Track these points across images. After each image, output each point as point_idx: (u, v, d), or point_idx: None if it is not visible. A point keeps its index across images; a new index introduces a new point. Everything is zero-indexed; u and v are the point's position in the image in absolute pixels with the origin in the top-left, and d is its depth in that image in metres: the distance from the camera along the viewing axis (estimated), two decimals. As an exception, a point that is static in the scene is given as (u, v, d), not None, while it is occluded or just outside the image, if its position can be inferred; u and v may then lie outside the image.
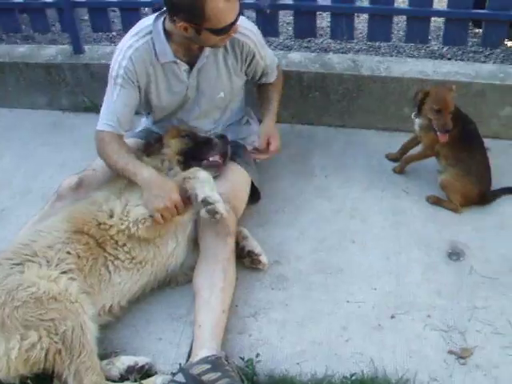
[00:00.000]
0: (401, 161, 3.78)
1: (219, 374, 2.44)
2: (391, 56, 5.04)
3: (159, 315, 2.91)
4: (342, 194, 3.62)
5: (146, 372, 2.62)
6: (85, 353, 2.46)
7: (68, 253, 2.70)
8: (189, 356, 2.66)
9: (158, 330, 2.84)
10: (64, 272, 2.64)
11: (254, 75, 3.45)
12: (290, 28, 5.03)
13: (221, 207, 2.77)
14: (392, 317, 2.85)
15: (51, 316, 2.46)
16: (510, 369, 2.60)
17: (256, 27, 3.35)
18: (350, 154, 3.96)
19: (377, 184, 3.64)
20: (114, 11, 5.13)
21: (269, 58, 3.44)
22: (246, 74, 3.41)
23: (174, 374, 2.53)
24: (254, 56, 3.29)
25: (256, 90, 3.64)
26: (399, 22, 5.49)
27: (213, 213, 2.77)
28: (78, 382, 2.43)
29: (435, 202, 3.50)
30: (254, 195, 3.44)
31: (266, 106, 3.48)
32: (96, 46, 4.84)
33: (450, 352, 2.68)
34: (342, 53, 5.05)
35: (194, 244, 3.05)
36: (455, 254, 3.17)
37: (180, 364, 2.62)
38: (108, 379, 2.55)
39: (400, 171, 3.74)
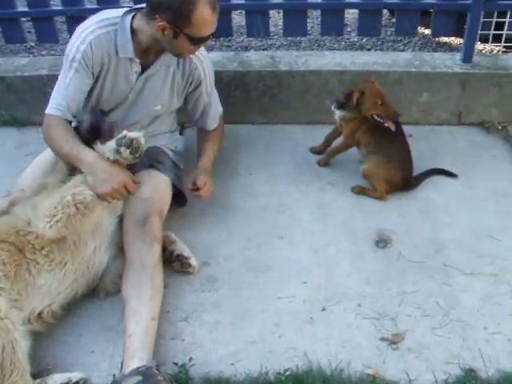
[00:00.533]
0: (325, 154, 3.81)
1: None
2: (312, 50, 5.10)
3: (91, 327, 2.85)
4: (267, 190, 3.63)
5: (81, 388, 2.56)
6: (16, 372, 2.37)
7: None
8: (122, 367, 2.61)
9: (90, 342, 2.78)
10: None
11: (193, 109, 3.46)
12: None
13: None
14: (323, 309, 2.86)
15: None
16: (440, 348, 2.66)
17: (211, 63, 3.38)
18: (274, 150, 3.98)
19: (302, 178, 3.66)
20: (28, 21, 5.02)
21: (214, 101, 3.49)
22: (185, 101, 3.43)
23: None
24: (199, 84, 3.32)
25: (197, 135, 3.66)
26: (318, 16, 5.56)
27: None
28: None
29: (360, 191, 3.54)
30: (180, 199, 3.41)
31: (204, 151, 3.50)
32: (12, 57, 4.73)
33: (382, 339, 2.71)
34: (263, 50, 5.09)
35: (121, 251, 3.00)
36: (382, 242, 3.22)
37: (114, 375, 2.58)
38: (42, 398, 2.48)
39: (325, 164, 3.77)
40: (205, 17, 2.81)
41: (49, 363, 2.68)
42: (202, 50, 3.24)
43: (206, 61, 3.30)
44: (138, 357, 2.54)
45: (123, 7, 3.24)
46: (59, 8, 4.35)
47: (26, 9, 4.36)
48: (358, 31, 4.22)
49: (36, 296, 2.72)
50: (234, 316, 2.86)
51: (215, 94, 3.51)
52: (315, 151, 3.89)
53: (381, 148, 3.49)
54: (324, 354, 2.65)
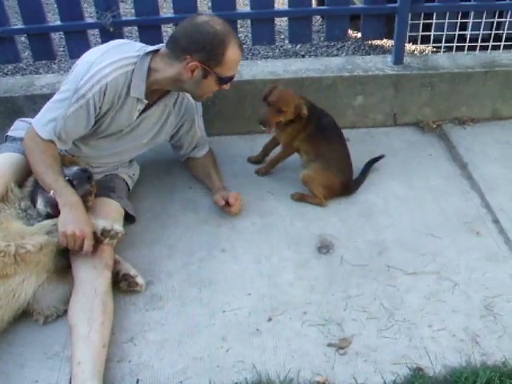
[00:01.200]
0: (266, 163, 3.81)
1: None
2: (246, 59, 5.10)
3: (32, 356, 2.76)
4: (207, 203, 3.59)
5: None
6: None
7: None
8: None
9: (32, 371, 2.69)
10: None
11: (188, 144, 3.65)
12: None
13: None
14: (269, 319, 2.85)
15: None
16: (387, 350, 2.67)
17: None
18: (212, 162, 3.93)
19: (241, 189, 3.62)
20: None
21: (203, 131, 3.65)
22: (173, 138, 3.61)
23: None
24: (193, 122, 3.54)
25: (190, 167, 3.78)
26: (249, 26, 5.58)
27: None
28: None
29: (300, 198, 3.54)
30: (130, 219, 3.42)
31: (213, 173, 3.66)
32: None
33: (330, 344, 2.71)
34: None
35: (57, 275, 2.93)
36: (325, 247, 3.22)
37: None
38: None
39: (264, 173, 3.77)
40: (235, 57, 2.97)
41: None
42: None
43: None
44: None
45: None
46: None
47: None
48: (289, 39, 4.23)
49: None
50: (180, 333, 2.82)
51: (201, 121, 3.64)
52: (253, 161, 3.88)
53: (319, 155, 3.49)
54: (273, 365, 2.64)
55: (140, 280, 3.01)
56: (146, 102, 3.13)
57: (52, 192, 2.91)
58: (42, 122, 2.98)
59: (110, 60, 2.96)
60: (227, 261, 3.19)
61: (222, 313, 2.90)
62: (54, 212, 2.92)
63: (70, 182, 2.99)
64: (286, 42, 5.50)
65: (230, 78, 3.07)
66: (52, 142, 2.99)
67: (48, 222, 2.86)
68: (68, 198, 2.88)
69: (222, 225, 3.43)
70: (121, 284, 3.01)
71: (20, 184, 3.07)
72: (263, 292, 2.99)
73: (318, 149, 3.51)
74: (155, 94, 3.19)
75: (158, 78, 3.03)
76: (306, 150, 3.55)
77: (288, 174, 3.74)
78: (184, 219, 3.49)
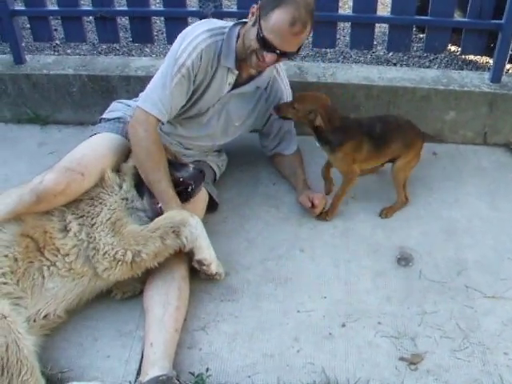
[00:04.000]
0: (330, 205, 3.54)
1: None
2: (337, 62, 5.07)
3: (107, 332, 2.83)
4: (289, 201, 3.59)
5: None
6: (25, 370, 2.33)
7: (5, 256, 2.64)
8: (138, 373, 2.59)
9: (105, 347, 2.76)
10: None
11: (275, 135, 3.66)
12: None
13: (214, 268, 2.90)
14: (343, 325, 2.83)
15: None
16: (459, 372, 2.61)
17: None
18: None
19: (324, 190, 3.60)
20: (57, 19, 5.03)
21: (289, 123, 3.64)
22: (266, 126, 3.62)
23: None
24: None
25: (276, 163, 3.80)
26: (345, 28, 5.54)
27: (207, 272, 2.91)
28: None
29: (388, 213, 3.48)
30: (212, 207, 3.44)
31: (300, 173, 3.65)
32: (38, 55, 4.73)
33: (401, 358, 2.67)
34: (288, 59, 5.06)
35: None
36: (404, 260, 3.18)
37: (130, 382, 2.56)
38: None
39: (330, 218, 3.49)
40: (279, 22, 2.84)
41: (63, 366, 2.66)
42: (285, 78, 3.53)
43: (288, 88, 3.55)
44: (158, 365, 2.51)
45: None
46: (89, 8, 4.36)
47: (56, 7, 4.37)
48: (388, 46, 4.19)
49: (41, 298, 2.70)
50: (252, 327, 2.83)
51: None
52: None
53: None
54: (342, 371, 2.62)
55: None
56: (237, 72, 3.16)
57: (159, 205, 2.96)
58: (151, 101, 3.03)
59: (203, 29, 3.06)
60: (305, 261, 3.19)
61: (296, 312, 2.90)
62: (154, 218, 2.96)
63: (185, 182, 3.06)
64: (378, 48, 5.45)
65: (268, 44, 2.91)
66: (159, 121, 3.05)
67: (162, 223, 2.83)
68: (169, 203, 2.94)
69: (302, 224, 3.42)
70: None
71: (116, 167, 3.10)
72: (339, 297, 2.97)
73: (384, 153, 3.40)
74: (246, 71, 3.21)
75: (240, 44, 3.07)
76: (371, 165, 3.50)
77: (373, 179, 3.71)
78: (265, 214, 3.50)
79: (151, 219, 2.93)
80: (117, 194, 2.95)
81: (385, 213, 3.47)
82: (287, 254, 3.23)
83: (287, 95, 3.51)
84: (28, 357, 2.38)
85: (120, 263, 2.73)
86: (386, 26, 4.74)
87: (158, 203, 2.95)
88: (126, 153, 3.14)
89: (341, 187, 3.42)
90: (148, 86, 3.10)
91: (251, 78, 3.27)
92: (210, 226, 3.32)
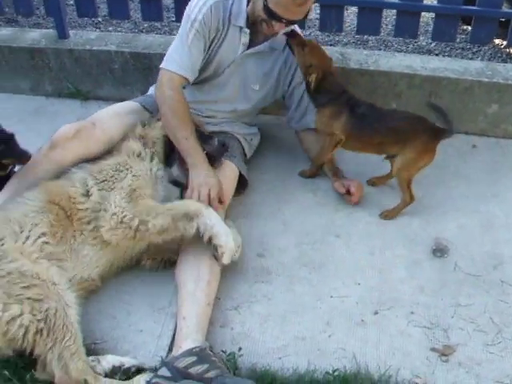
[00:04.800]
0: (310, 165, 3.67)
1: (206, 365, 2.40)
2: (379, 50, 5.03)
3: (140, 306, 2.86)
4: (326, 186, 3.58)
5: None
6: (69, 336, 2.40)
7: (41, 219, 2.70)
8: (170, 349, 2.62)
9: (138, 321, 2.79)
10: (42, 250, 2.64)
11: (297, 106, 3.57)
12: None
13: (226, 258, 2.77)
14: (375, 313, 2.83)
15: (35, 292, 2.42)
16: (491, 366, 2.60)
17: None
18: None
19: (362, 177, 3.58)
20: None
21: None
22: (286, 96, 3.56)
23: (157, 369, 2.48)
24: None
25: (303, 139, 3.71)
26: (388, 16, 5.49)
27: (219, 261, 2.79)
28: (63, 367, 2.36)
29: (388, 215, 3.39)
30: (242, 185, 3.43)
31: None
32: (81, 31, 4.76)
33: (433, 349, 2.67)
34: (330, 45, 5.03)
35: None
36: (439, 251, 3.16)
37: (161, 357, 2.58)
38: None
39: (309, 176, 3.64)
40: None
41: (97, 337, 2.70)
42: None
43: None
44: (191, 338, 2.53)
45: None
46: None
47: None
48: (433, 36, 4.15)
49: (78, 263, 2.75)
50: (284, 310, 2.84)
51: None
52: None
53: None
54: (373, 358, 2.62)
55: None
56: (248, 30, 3.17)
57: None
58: (172, 60, 3.12)
59: None
60: (340, 247, 3.18)
61: (329, 298, 2.90)
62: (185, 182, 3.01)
63: (208, 155, 3.07)
64: (421, 38, 5.39)
65: (274, 14, 2.96)
66: (181, 78, 3.10)
67: (177, 207, 2.83)
68: (197, 158, 2.98)
69: (339, 210, 3.42)
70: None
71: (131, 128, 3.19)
72: (373, 284, 2.97)
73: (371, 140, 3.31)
74: (258, 31, 3.20)
75: (252, 7, 3.10)
76: (354, 146, 3.42)
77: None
78: (302, 199, 3.50)
79: (183, 187, 3.02)
80: (144, 163, 3.00)
81: (385, 214, 3.39)
82: (322, 239, 3.22)
83: None
84: (73, 324, 2.44)
85: (125, 227, 2.73)
86: (428, 15, 4.70)
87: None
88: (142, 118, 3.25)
89: (320, 148, 3.47)
90: (169, 48, 3.19)
91: (266, 39, 3.27)
92: (247, 206, 3.36)
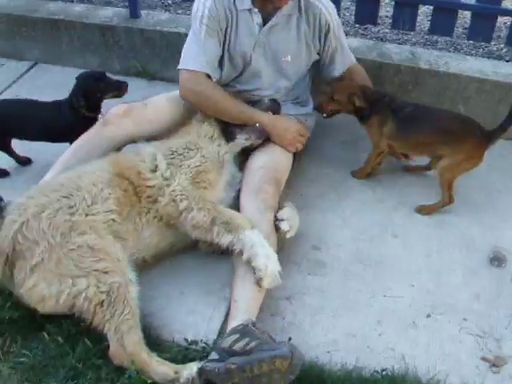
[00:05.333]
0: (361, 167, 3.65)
1: (247, 339, 2.42)
2: (449, 52, 4.94)
3: (194, 288, 2.89)
4: (386, 184, 3.56)
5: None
6: (128, 310, 2.45)
7: (110, 194, 2.75)
8: (219, 333, 2.66)
9: (191, 302, 2.83)
10: (109, 226, 2.68)
11: (337, 58, 3.48)
12: (347, 14, 4.96)
13: (266, 283, 2.66)
14: (428, 316, 2.80)
15: (102, 265, 2.49)
16: (543, 383, 2.54)
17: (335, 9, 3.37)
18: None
19: (424, 179, 3.56)
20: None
21: (341, 47, 3.47)
22: (319, 53, 3.44)
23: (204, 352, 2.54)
24: (328, 29, 3.31)
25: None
26: (460, 18, 5.39)
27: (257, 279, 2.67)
28: (119, 339, 2.42)
29: (423, 209, 3.39)
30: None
31: None
32: (152, 11, 4.80)
33: (484, 359, 2.62)
34: (399, 44, 4.97)
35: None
36: (497, 260, 3.10)
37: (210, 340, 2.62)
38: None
39: (360, 177, 3.62)
40: None
41: (148, 314, 2.71)
42: None
43: (329, 4, 3.31)
44: (238, 319, 2.56)
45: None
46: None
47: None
48: (507, 40, 4.05)
49: (138, 244, 2.80)
50: (337, 304, 2.84)
51: (344, 41, 3.50)
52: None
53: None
54: (422, 362, 2.59)
55: (284, 226, 2.91)
56: (257, 10, 3.15)
57: (257, 124, 3.15)
58: (189, 59, 3.17)
59: None
60: (397, 246, 3.16)
61: (382, 296, 2.88)
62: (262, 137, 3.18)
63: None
64: (492, 43, 5.28)
65: None
66: (206, 74, 3.14)
67: (225, 212, 2.82)
68: (266, 120, 3.17)
69: (398, 209, 3.39)
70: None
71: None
72: (427, 287, 2.94)
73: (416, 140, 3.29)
74: (268, 4, 3.15)
75: None
76: (403, 147, 3.42)
77: (476, 174, 3.48)
78: (361, 195, 3.49)
79: (253, 148, 3.22)
80: (213, 145, 3.08)
81: (419, 209, 3.37)
82: (379, 237, 3.21)
83: (330, 12, 3.31)
84: (134, 299, 2.50)
85: (173, 204, 2.78)
86: (501, 20, 4.59)
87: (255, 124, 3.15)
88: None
89: (368, 155, 3.52)
90: (184, 48, 3.24)
91: (277, 9, 3.19)
92: (306, 199, 3.36)
